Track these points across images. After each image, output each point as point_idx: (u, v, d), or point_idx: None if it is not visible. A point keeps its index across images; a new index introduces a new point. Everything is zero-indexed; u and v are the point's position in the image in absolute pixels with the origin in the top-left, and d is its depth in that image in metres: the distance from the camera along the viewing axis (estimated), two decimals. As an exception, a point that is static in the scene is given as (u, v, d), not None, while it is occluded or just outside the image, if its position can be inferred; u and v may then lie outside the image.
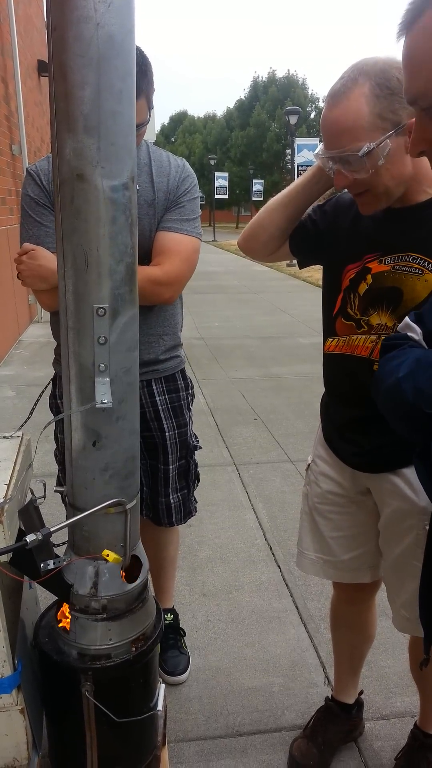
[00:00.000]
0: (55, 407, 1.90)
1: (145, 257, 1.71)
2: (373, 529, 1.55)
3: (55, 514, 2.19)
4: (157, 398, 1.88)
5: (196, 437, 2.07)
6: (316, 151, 1.30)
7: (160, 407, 1.89)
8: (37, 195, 1.70)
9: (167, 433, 1.91)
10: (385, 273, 1.32)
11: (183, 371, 1.97)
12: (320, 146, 1.27)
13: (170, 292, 1.74)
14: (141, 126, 1.54)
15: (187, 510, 2.04)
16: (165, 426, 1.90)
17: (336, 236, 1.44)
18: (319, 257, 1.52)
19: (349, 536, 1.57)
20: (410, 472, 1.37)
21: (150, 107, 1.65)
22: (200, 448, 2.07)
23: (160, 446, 1.92)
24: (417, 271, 1.28)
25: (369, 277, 1.35)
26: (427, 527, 1.37)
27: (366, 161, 1.17)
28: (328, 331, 1.47)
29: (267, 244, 1.52)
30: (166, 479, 1.96)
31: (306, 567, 1.68)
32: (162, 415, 1.90)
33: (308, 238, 1.50)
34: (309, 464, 1.65)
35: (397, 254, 1.31)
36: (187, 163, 1.81)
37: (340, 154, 1.19)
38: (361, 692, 1.88)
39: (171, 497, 1.98)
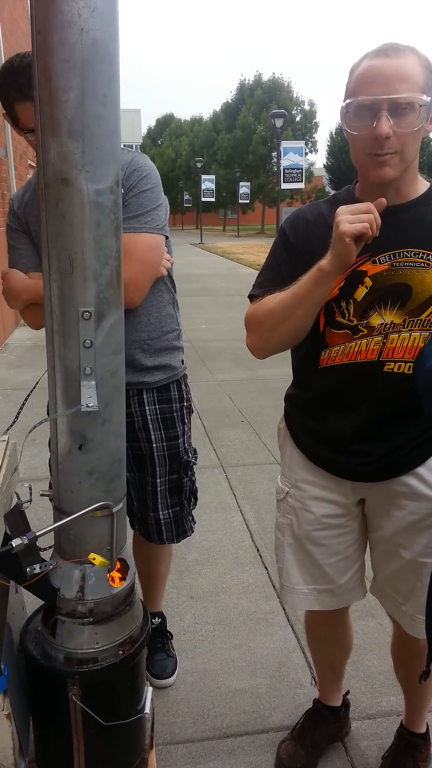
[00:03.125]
0: None
1: None
2: (363, 543, 1.55)
3: (41, 519, 2.18)
4: (147, 408, 1.83)
5: (194, 453, 2.00)
6: (349, 101, 1.21)
7: (149, 417, 1.84)
8: (11, 221, 1.82)
9: (154, 445, 1.86)
10: (384, 272, 1.30)
11: (178, 382, 1.91)
12: (350, 100, 1.21)
13: (128, 295, 1.65)
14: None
15: (180, 529, 1.97)
16: (153, 437, 1.85)
17: (312, 259, 1.32)
18: None
19: (347, 557, 1.53)
20: (423, 470, 1.38)
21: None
22: (195, 464, 2.00)
23: (148, 458, 1.87)
24: (423, 264, 1.28)
25: (367, 279, 1.32)
26: None
27: (420, 113, 1.17)
28: (319, 344, 1.40)
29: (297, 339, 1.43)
30: (154, 493, 1.89)
31: (298, 602, 1.60)
32: (150, 426, 1.84)
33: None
34: (287, 492, 1.55)
35: (392, 251, 1.30)
36: (138, 157, 1.68)
37: (401, 99, 1.16)
38: (347, 693, 1.89)
39: (161, 513, 1.91)
